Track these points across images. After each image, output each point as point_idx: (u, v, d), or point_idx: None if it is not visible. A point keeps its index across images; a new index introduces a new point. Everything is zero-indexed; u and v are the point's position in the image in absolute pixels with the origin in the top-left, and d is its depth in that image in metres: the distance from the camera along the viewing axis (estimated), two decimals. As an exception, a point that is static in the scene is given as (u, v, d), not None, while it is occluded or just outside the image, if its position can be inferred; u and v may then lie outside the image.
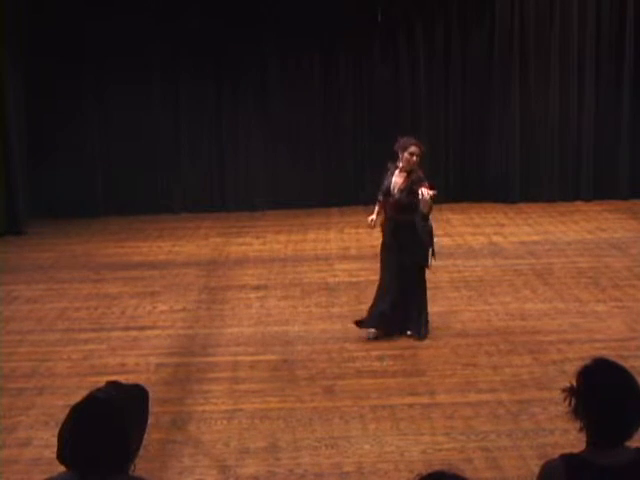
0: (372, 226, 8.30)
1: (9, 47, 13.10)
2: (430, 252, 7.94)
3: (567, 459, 2.96)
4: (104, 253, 11.89)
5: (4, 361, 7.90)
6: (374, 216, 8.23)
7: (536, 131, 14.47)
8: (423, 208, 7.70)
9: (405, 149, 7.84)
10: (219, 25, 14.01)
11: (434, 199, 7.68)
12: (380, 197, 8.12)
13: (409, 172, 7.84)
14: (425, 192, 7.58)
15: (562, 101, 14.43)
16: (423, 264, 7.97)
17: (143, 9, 13.84)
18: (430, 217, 7.93)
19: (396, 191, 7.88)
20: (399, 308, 8.04)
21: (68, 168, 13.97)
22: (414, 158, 7.82)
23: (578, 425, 2.97)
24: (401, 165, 7.89)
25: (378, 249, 11.48)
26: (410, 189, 7.77)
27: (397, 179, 7.91)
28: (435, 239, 8.14)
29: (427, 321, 8.16)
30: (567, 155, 14.55)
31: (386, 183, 7.97)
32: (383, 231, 8.16)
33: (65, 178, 13.94)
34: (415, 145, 7.85)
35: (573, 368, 3.11)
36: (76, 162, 14.00)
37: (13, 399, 7.01)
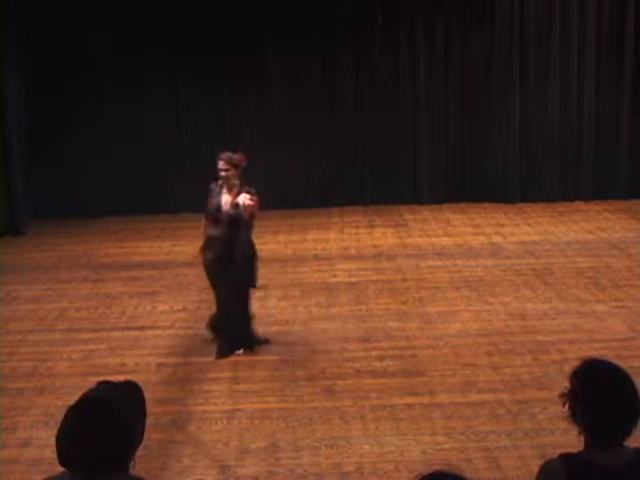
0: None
1: (10, 47, 13.10)
2: (252, 266, 7.86)
3: (567, 459, 2.97)
4: (104, 253, 11.89)
5: (4, 361, 7.90)
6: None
7: (536, 131, 14.47)
8: (245, 215, 7.57)
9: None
10: (219, 25, 14.01)
11: (255, 207, 7.55)
12: (206, 216, 7.91)
13: (236, 188, 7.69)
14: (243, 198, 7.51)
15: (562, 101, 14.43)
16: (249, 284, 7.91)
17: (143, 9, 13.83)
18: (252, 236, 7.85)
19: (226, 207, 7.69)
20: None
21: (68, 168, 13.97)
22: (222, 174, 7.69)
23: (577, 429, 2.98)
24: (221, 183, 7.78)
25: (379, 249, 11.60)
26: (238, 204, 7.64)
27: (227, 196, 7.73)
28: (258, 261, 8.02)
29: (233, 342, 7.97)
30: (567, 155, 14.55)
31: (215, 201, 7.75)
32: (205, 249, 7.91)
33: (65, 178, 13.94)
34: (221, 160, 7.70)
35: (574, 366, 3.12)
36: (76, 162, 14.00)
37: (13, 399, 7.01)
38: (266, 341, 8.13)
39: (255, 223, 7.86)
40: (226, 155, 7.74)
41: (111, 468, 2.69)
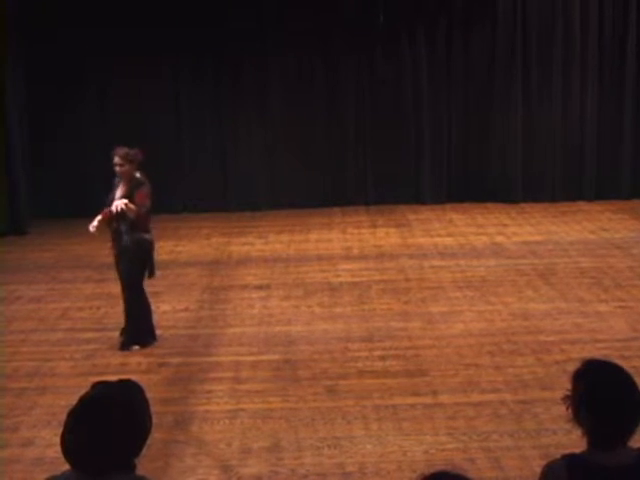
0: (93, 232, 8.06)
1: (11, 48, 13.11)
2: (137, 265, 7.93)
3: (569, 459, 2.96)
4: (106, 253, 11.80)
5: (7, 361, 7.91)
6: (95, 223, 8.01)
7: (538, 131, 14.46)
8: (131, 215, 7.73)
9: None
10: (221, 24, 14.01)
11: (132, 210, 7.68)
12: (105, 209, 7.96)
13: (129, 180, 7.87)
14: (115, 205, 7.66)
15: (564, 101, 14.42)
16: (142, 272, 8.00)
17: (145, 9, 13.84)
18: (151, 230, 8.01)
19: (117, 199, 7.82)
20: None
21: (70, 168, 13.98)
22: (117, 169, 7.86)
23: (580, 430, 2.98)
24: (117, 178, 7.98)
25: (380, 249, 11.60)
26: (128, 196, 7.79)
27: (119, 190, 7.91)
28: (154, 253, 8.13)
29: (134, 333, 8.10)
30: (569, 155, 14.54)
31: (110, 196, 7.93)
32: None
33: (68, 178, 13.95)
34: (116, 156, 7.85)
35: (574, 369, 3.11)
36: (79, 162, 14.00)
37: (15, 399, 7.02)
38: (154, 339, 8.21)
39: (151, 222, 8.07)
40: (122, 151, 7.90)
41: (117, 468, 2.68)
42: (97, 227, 7.99)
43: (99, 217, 7.99)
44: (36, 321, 9.06)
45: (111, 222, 7.90)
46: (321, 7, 14.09)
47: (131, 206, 7.70)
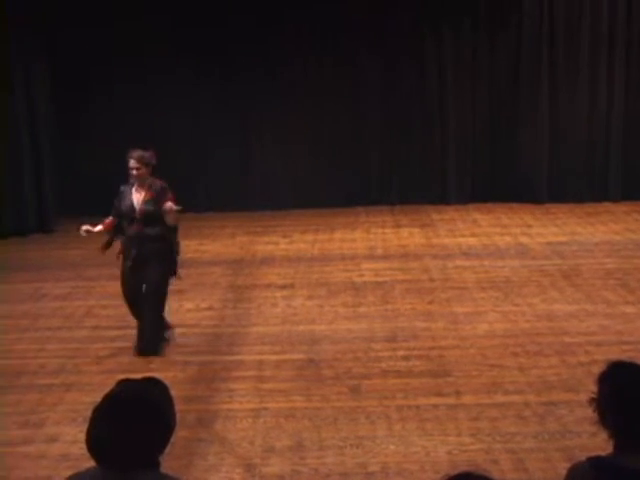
0: (83, 234, 7.89)
1: (36, 47, 13.20)
2: (168, 270, 7.81)
3: (595, 462, 2.94)
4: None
5: (32, 357, 7.97)
6: (89, 227, 7.82)
7: (564, 131, 14.38)
8: (170, 220, 7.59)
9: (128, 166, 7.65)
10: (244, 24, 14.04)
11: (180, 212, 7.60)
12: (111, 217, 7.84)
13: (148, 185, 7.66)
14: (170, 205, 7.51)
15: (591, 101, 14.33)
16: (172, 274, 7.86)
17: (165, 10, 13.90)
18: (178, 233, 7.88)
19: (140, 204, 7.63)
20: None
21: (97, 167, 14.04)
22: (134, 172, 7.61)
23: (607, 432, 2.96)
24: (132, 182, 7.68)
25: (404, 249, 11.57)
26: (155, 199, 7.60)
27: (138, 195, 7.67)
28: (179, 256, 8.00)
29: (163, 337, 8.01)
30: (595, 155, 14.45)
31: (127, 202, 7.67)
32: (124, 254, 7.81)
33: (94, 177, 14.01)
34: (132, 159, 7.61)
35: (600, 371, 3.09)
36: (105, 161, 14.05)
37: (41, 395, 7.07)
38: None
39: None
40: (137, 153, 7.64)
41: (141, 465, 2.70)
42: (88, 232, 7.77)
43: (100, 227, 7.81)
44: (62, 318, 9.12)
45: (113, 231, 7.79)
46: (345, 7, 14.08)
47: (175, 208, 7.53)
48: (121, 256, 7.88)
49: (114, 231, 7.89)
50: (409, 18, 14.13)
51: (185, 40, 14.01)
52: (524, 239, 11.99)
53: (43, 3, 13.20)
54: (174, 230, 7.80)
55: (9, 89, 12.97)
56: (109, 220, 7.84)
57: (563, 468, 3.11)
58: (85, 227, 7.81)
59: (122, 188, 7.80)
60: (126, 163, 7.73)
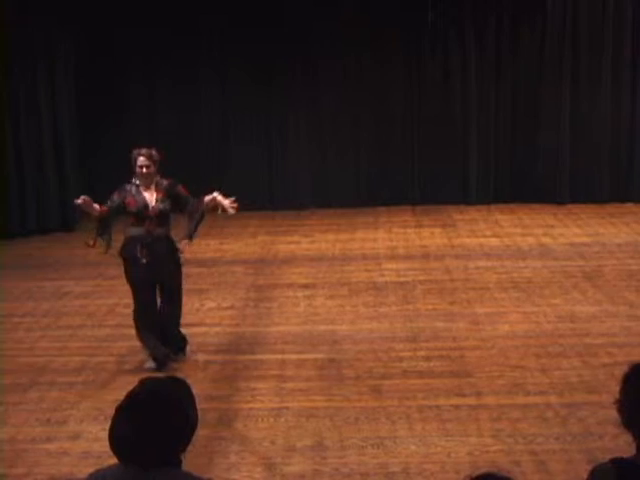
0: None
1: (60, 47, 13.28)
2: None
3: (618, 464, 2.92)
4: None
5: (55, 355, 8.02)
6: (87, 198, 7.42)
7: (587, 131, 14.31)
8: (226, 210, 7.56)
9: (135, 164, 7.45)
10: (269, 25, 14.06)
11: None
12: (106, 207, 7.47)
13: (156, 183, 7.49)
14: (220, 196, 7.58)
15: (614, 100, 14.26)
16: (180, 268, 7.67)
17: (192, 13, 13.95)
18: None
19: (154, 203, 7.44)
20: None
21: (119, 166, 14.05)
22: (144, 170, 7.41)
23: (630, 436, 2.94)
24: (139, 182, 7.46)
25: (426, 249, 11.55)
26: (167, 198, 7.45)
27: (148, 193, 7.47)
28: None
29: (183, 337, 7.83)
30: (618, 156, 14.38)
31: (139, 200, 7.42)
32: (130, 250, 7.48)
33: (116, 175, 14.00)
34: (142, 156, 7.41)
35: (623, 372, 3.08)
36: (127, 159, 14.09)
37: (64, 393, 7.11)
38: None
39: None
40: (147, 151, 7.48)
41: (163, 463, 2.71)
42: (84, 203, 7.34)
43: (97, 207, 7.44)
44: (84, 317, 9.17)
45: (103, 222, 7.52)
46: (370, 6, 14.08)
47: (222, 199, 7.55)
48: (124, 255, 7.59)
49: (103, 223, 7.58)
50: (433, 18, 14.09)
51: (210, 40, 14.05)
52: (546, 240, 11.94)
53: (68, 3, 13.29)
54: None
55: (33, 87, 13.07)
56: (104, 208, 7.50)
57: (585, 470, 3.09)
58: (84, 197, 7.42)
59: (127, 187, 7.53)
60: (131, 161, 7.57)
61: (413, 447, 6.00)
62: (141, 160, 7.43)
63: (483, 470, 2.60)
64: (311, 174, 14.60)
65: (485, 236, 12.31)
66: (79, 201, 7.37)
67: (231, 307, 9.38)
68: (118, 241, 7.63)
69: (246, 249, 12.10)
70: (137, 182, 7.50)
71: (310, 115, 14.48)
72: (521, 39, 14.27)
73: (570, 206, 14.06)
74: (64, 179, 13.46)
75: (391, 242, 12.16)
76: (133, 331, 8.38)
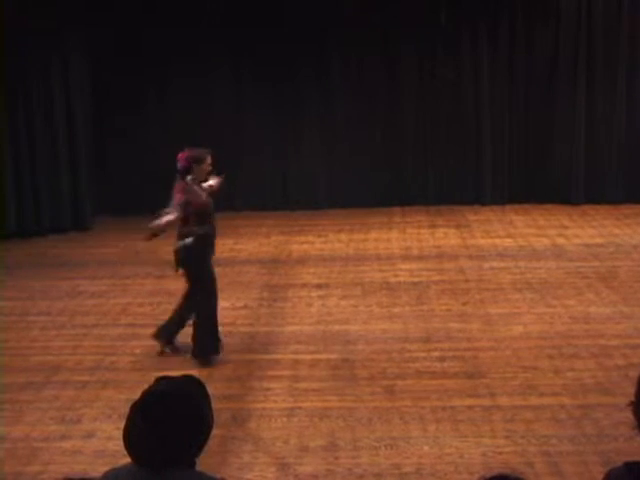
0: (150, 238, 7.59)
1: (74, 47, 13.31)
2: None
3: (632, 467, 2.91)
4: (167, 250, 11.94)
5: (69, 354, 8.05)
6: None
7: (601, 132, 14.25)
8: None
9: (202, 161, 7.60)
10: (282, 25, 14.07)
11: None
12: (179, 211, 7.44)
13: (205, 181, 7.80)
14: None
15: (628, 101, 14.19)
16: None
17: (206, 12, 13.97)
18: None
19: (206, 199, 7.71)
20: None
21: (133, 165, 14.15)
22: (210, 168, 7.75)
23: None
24: (196, 177, 7.61)
25: (440, 250, 11.54)
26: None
27: (206, 193, 7.77)
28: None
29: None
30: (633, 156, 14.30)
31: (205, 198, 7.63)
32: (204, 249, 7.62)
33: (130, 175, 14.12)
34: (209, 155, 7.69)
35: (638, 374, 3.07)
36: (141, 159, 14.16)
37: (78, 392, 7.14)
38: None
39: None
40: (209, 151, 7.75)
41: (178, 462, 2.71)
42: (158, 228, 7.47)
43: (170, 217, 7.42)
44: (98, 316, 9.20)
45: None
46: (382, 7, 14.07)
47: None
48: (205, 256, 7.70)
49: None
50: (446, 18, 14.06)
51: (224, 40, 14.05)
52: (560, 240, 11.91)
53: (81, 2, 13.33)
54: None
55: (46, 87, 13.12)
56: (174, 215, 7.44)
57: (599, 472, 3.09)
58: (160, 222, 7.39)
59: (189, 186, 7.53)
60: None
61: (426, 448, 6.01)
62: (209, 160, 7.69)
63: (496, 471, 2.60)
64: (325, 174, 14.59)
65: (499, 237, 12.28)
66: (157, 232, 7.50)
67: (245, 307, 9.39)
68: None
69: (260, 249, 12.11)
70: (193, 177, 7.60)
71: (324, 115, 14.47)
72: (535, 39, 14.21)
73: (585, 207, 14.00)
74: (78, 179, 13.49)
75: (405, 242, 12.15)
76: (147, 330, 8.44)
